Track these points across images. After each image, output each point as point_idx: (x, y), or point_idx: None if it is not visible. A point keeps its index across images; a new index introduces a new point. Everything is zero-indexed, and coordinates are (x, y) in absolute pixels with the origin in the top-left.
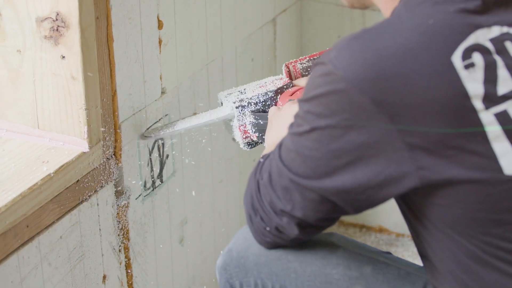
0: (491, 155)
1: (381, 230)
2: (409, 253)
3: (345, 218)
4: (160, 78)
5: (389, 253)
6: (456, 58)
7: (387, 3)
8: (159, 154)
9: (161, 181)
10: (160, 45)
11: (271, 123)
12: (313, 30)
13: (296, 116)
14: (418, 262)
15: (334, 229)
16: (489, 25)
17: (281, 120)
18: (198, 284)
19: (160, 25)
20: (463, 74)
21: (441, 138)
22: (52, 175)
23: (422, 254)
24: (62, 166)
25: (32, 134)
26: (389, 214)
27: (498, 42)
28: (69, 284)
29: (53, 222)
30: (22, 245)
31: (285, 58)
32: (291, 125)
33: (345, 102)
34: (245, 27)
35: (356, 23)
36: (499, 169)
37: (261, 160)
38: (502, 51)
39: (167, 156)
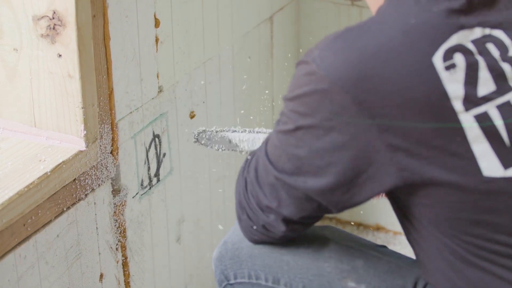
0: (470, 156)
1: (378, 228)
2: (407, 251)
3: (343, 216)
4: (157, 77)
5: (384, 246)
6: (437, 59)
7: (375, 2)
8: (156, 153)
9: (158, 180)
10: (157, 43)
11: None
12: (310, 28)
13: (282, 113)
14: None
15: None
16: (471, 26)
17: None
18: (195, 282)
19: (157, 23)
20: (443, 75)
21: (421, 139)
22: (49, 173)
23: (413, 251)
24: (59, 164)
25: (29, 132)
26: (386, 212)
27: (480, 43)
28: (66, 283)
29: (50, 221)
30: (19, 243)
31: (282, 56)
32: (278, 122)
33: (327, 101)
34: (242, 25)
35: (353, 21)
36: (478, 170)
37: (249, 157)
38: (483, 52)
39: (164, 154)
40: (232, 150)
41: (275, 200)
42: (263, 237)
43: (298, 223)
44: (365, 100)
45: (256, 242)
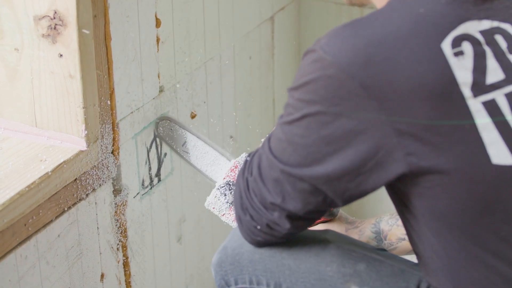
0: (479, 143)
1: None
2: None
3: None
4: (158, 77)
5: (383, 249)
6: (446, 45)
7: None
8: (157, 152)
9: (159, 180)
10: (158, 43)
11: None
12: (311, 28)
13: (286, 105)
14: (414, 260)
15: None
16: (479, 18)
17: None
18: (196, 283)
19: (158, 23)
20: (452, 61)
21: (429, 124)
22: (50, 173)
23: (416, 252)
24: (60, 164)
25: (30, 132)
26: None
27: (488, 34)
28: (67, 283)
29: (51, 221)
30: (20, 243)
31: (283, 56)
32: (281, 116)
33: (334, 87)
34: (243, 25)
35: None
36: (487, 158)
37: (248, 159)
38: (491, 42)
39: (165, 154)
40: (179, 154)
41: (279, 196)
42: (267, 237)
43: (303, 218)
44: (373, 85)
45: (259, 243)
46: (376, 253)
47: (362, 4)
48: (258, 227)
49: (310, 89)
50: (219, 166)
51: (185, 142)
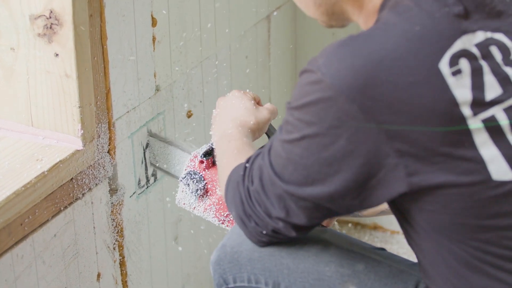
0: (479, 160)
1: (375, 227)
2: (404, 250)
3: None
4: (154, 76)
5: (383, 249)
6: (444, 65)
7: (368, 19)
8: None
9: (155, 179)
10: (154, 42)
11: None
12: (307, 27)
13: (286, 122)
14: (413, 258)
15: None
16: (473, 30)
17: (226, 108)
18: (193, 282)
19: (154, 22)
20: (450, 81)
21: (429, 145)
22: (46, 173)
23: (416, 256)
24: (56, 164)
25: (26, 132)
26: None
27: (483, 47)
28: (63, 282)
29: (47, 220)
30: (16, 243)
31: (279, 55)
32: (281, 131)
33: (334, 109)
34: (239, 24)
35: None
36: (487, 174)
37: (247, 165)
38: (487, 56)
39: None
40: (149, 161)
41: (283, 210)
42: (273, 239)
43: (308, 227)
44: (372, 107)
45: (264, 243)
46: (375, 253)
47: (343, 26)
48: (264, 232)
49: (309, 111)
50: (184, 164)
51: (148, 144)
